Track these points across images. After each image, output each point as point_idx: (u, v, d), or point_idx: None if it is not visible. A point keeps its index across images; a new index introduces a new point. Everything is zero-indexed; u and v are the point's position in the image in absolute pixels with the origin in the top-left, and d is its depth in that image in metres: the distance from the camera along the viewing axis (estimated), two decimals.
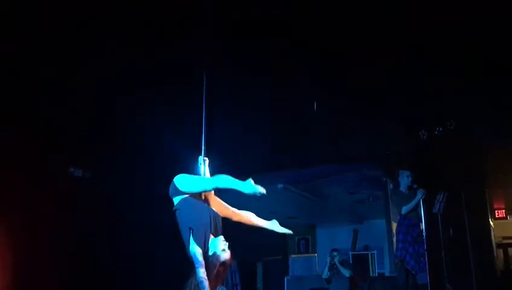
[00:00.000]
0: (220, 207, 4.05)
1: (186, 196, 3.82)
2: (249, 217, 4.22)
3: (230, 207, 4.15)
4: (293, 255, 12.56)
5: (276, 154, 7.57)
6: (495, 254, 7.72)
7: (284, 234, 4.26)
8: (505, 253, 11.12)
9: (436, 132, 6.91)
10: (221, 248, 3.66)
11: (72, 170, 6.71)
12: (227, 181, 3.60)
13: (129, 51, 5.26)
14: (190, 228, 3.62)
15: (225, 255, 3.65)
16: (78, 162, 6.76)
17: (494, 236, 8.30)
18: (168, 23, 4.98)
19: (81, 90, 5.82)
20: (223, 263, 3.62)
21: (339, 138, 7.19)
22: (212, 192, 4.01)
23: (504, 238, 11.12)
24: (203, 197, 3.92)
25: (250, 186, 3.50)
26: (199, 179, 3.94)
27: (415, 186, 6.34)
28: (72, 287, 6.02)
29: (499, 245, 10.46)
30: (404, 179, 6.50)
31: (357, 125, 6.93)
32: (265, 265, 11.68)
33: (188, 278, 3.71)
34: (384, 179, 8.47)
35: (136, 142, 6.74)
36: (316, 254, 12.44)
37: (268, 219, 4.27)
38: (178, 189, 3.83)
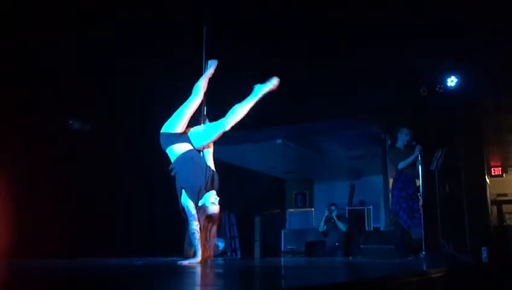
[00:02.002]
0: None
1: (182, 151, 3.82)
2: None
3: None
4: (290, 209, 12.74)
5: (275, 109, 7.54)
6: (489, 210, 7.83)
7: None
8: (499, 209, 11.29)
9: (438, 89, 6.88)
10: (210, 200, 3.70)
11: (71, 122, 6.69)
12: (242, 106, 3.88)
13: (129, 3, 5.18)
14: (182, 188, 3.67)
15: (213, 207, 3.68)
16: (78, 115, 6.73)
17: (490, 193, 8.40)
18: None
19: (81, 42, 5.74)
20: (210, 216, 3.65)
21: (338, 93, 7.16)
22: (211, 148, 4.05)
23: (499, 195, 11.26)
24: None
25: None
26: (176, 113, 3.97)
27: (413, 143, 6.37)
28: (72, 240, 6.10)
29: (493, 202, 10.60)
30: (403, 137, 6.51)
31: (357, 81, 6.88)
32: (262, 218, 11.86)
33: (186, 231, 3.80)
34: (383, 135, 8.49)
35: (136, 94, 6.70)
36: (312, 209, 12.62)
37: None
38: (169, 134, 3.84)
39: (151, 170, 7.04)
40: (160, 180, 6.89)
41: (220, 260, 5.61)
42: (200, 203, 3.67)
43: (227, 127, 3.85)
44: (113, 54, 5.91)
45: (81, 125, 6.72)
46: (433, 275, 3.31)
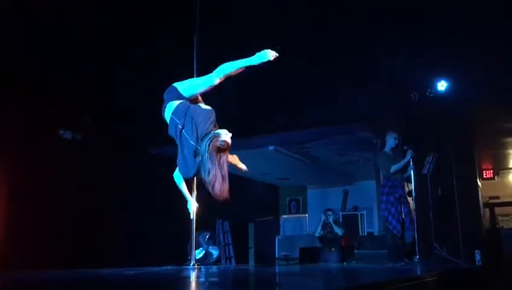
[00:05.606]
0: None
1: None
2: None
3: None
4: (284, 216, 12.74)
5: (268, 116, 7.56)
6: (482, 213, 7.88)
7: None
8: (492, 212, 11.36)
9: (428, 93, 6.92)
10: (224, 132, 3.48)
11: (62, 132, 6.65)
12: (232, 65, 3.56)
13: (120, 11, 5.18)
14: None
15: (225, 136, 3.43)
16: (68, 124, 6.70)
17: (482, 196, 8.45)
18: None
19: (74, 52, 5.72)
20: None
21: (330, 100, 7.18)
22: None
23: (491, 198, 11.34)
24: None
25: (261, 56, 3.54)
26: (201, 79, 3.72)
27: (405, 148, 6.39)
28: (61, 251, 6.04)
29: (486, 204, 10.67)
30: (391, 141, 6.52)
31: (348, 87, 6.91)
32: (256, 225, 11.84)
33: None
34: (375, 140, 8.51)
35: (127, 104, 6.68)
36: (306, 215, 12.63)
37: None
38: (179, 94, 3.60)
39: (145, 180, 7.03)
40: (153, 189, 6.91)
41: (215, 268, 5.58)
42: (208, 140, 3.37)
43: (217, 82, 3.62)
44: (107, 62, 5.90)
45: (72, 135, 6.67)
46: (427, 279, 3.32)
